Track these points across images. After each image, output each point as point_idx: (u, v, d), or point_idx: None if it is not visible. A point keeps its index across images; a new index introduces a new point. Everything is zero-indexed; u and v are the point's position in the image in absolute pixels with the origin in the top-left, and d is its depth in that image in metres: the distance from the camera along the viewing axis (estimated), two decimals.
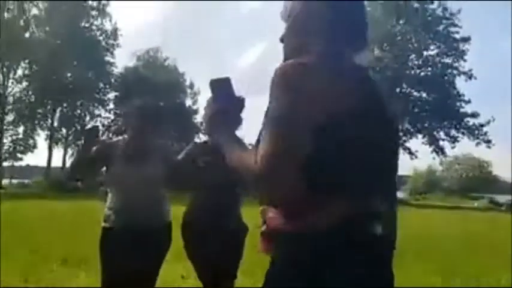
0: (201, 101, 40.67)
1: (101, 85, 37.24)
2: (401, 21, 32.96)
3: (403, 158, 35.30)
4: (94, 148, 2.82)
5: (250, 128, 2.22)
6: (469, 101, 33.34)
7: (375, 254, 1.12)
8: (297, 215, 1.11)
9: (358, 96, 1.12)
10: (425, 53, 33.99)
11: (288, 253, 1.13)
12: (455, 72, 33.47)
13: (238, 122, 1.65)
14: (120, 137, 3.15)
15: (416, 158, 35.34)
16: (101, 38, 36.44)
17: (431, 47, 34.04)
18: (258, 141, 1.14)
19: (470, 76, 33.11)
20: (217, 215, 2.86)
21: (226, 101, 1.35)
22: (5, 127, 33.25)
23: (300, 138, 1.05)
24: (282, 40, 1.34)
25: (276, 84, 1.12)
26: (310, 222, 1.09)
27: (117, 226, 2.73)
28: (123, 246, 2.66)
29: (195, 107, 40.19)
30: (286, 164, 1.04)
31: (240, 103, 1.53)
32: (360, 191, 1.11)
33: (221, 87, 1.35)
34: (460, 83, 33.95)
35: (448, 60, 33.77)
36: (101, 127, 35.05)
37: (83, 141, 2.93)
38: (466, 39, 33.37)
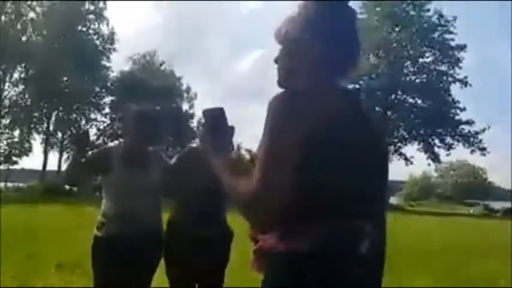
0: (197, 105, 40.72)
1: (97, 89, 37.20)
2: (396, 28, 33.17)
3: (398, 164, 35.44)
4: (90, 153, 2.81)
5: (249, 129, 2.28)
6: (464, 109, 33.55)
7: (362, 273, 1.17)
8: (288, 235, 1.16)
9: (346, 123, 1.19)
10: (420, 60, 34.18)
11: (279, 272, 1.18)
12: (450, 79, 33.64)
13: (227, 149, 1.68)
14: (116, 142, 3.15)
15: (411, 163, 35.48)
16: (97, 42, 36.44)
17: (427, 54, 34.26)
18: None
19: (465, 83, 33.29)
20: (202, 222, 2.84)
21: (219, 131, 1.39)
22: (0, 130, 33.14)
23: (289, 166, 1.12)
24: (276, 61, 1.38)
25: (269, 114, 1.17)
26: (300, 243, 1.14)
27: (111, 234, 2.68)
28: (116, 255, 2.62)
29: (191, 111, 40.19)
30: (277, 189, 1.11)
31: (231, 132, 1.58)
32: (346, 212, 1.17)
33: (214, 117, 1.40)
34: (455, 90, 34.16)
35: (443, 68, 33.96)
36: (96, 131, 35.00)
37: (75, 146, 2.90)
38: (461, 47, 33.57)
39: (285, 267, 1.16)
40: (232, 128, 1.45)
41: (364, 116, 1.30)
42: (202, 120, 1.44)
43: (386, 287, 1.31)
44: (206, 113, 1.41)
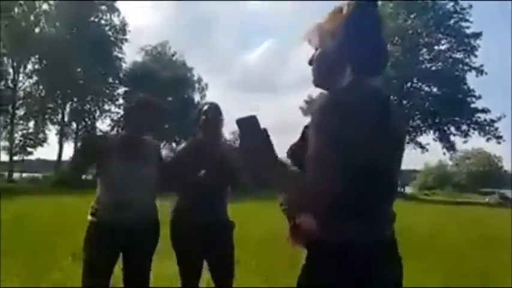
0: (209, 96, 40.78)
1: (110, 80, 37.44)
2: (412, 16, 32.62)
3: (413, 152, 35.18)
4: (86, 139, 2.81)
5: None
6: (479, 97, 33.05)
7: (392, 254, 1.41)
8: (331, 227, 1.31)
9: (383, 122, 1.32)
10: (436, 47, 33.70)
11: (327, 261, 1.33)
12: (466, 67, 33.13)
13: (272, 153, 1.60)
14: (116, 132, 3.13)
15: (427, 151, 35.14)
16: (109, 32, 36.57)
17: (442, 42, 33.76)
18: (291, 150, 1.55)
19: (481, 72, 32.77)
20: (204, 213, 2.86)
21: (253, 139, 1.43)
22: (15, 122, 33.53)
23: (340, 164, 1.25)
24: (310, 63, 1.51)
25: (317, 113, 1.31)
26: (339, 234, 1.31)
27: (104, 221, 2.69)
28: (108, 241, 2.64)
29: (203, 102, 40.15)
30: (328, 185, 1.26)
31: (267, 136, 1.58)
32: (378, 206, 1.35)
33: (247, 125, 1.45)
34: (471, 78, 33.69)
35: (458, 56, 33.45)
36: (110, 122, 35.23)
37: (79, 147, 2.95)
38: (477, 35, 33.01)
39: (332, 257, 1.31)
40: (265, 131, 1.45)
41: (393, 114, 1.41)
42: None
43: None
44: (240, 122, 1.44)
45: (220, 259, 2.97)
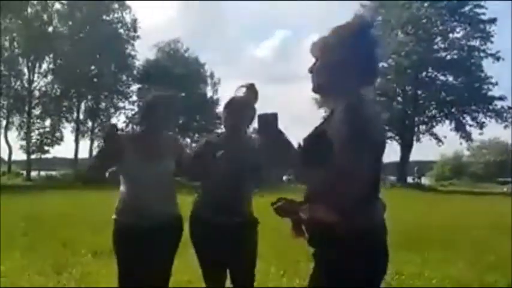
0: (221, 91, 40.87)
1: (124, 77, 37.67)
2: (426, 4, 32.09)
3: (429, 144, 34.78)
4: (107, 144, 2.69)
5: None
6: (496, 84, 32.46)
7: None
8: (353, 217, 1.47)
9: (379, 127, 1.70)
10: (451, 35, 33.14)
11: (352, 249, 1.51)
12: (482, 54, 32.52)
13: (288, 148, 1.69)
14: (132, 129, 3.10)
15: (443, 144, 34.70)
16: (121, 30, 36.75)
17: (457, 29, 33.16)
18: (300, 145, 1.64)
19: (497, 58, 32.15)
20: (223, 209, 2.73)
21: (272, 136, 1.59)
22: (32, 121, 33.95)
23: (362, 164, 1.46)
24: (311, 71, 1.70)
25: (345, 120, 1.50)
26: (360, 223, 1.50)
27: (128, 220, 2.71)
28: (136, 240, 2.66)
29: (215, 97, 40.30)
30: (354, 181, 1.45)
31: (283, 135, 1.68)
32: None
33: (268, 122, 1.58)
34: (488, 65, 33.07)
35: (474, 43, 32.84)
36: (125, 119, 35.45)
37: (102, 141, 2.91)
38: (492, 21, 32.35)
39: (356, 244, 1.50)
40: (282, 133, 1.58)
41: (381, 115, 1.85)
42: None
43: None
44: (261, 118, 1.58)
45: (241, 260, 2.82)
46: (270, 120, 1.56)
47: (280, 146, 1.63)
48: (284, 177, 10.11)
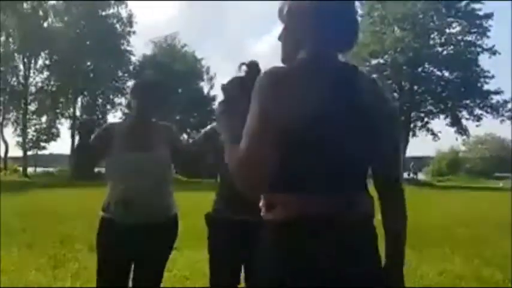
0: (217, 85, 40.84)
1: (120, 73, 37.53)
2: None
3: (425, 139, 34.88)
4: (92, 136, 2.55)
5: None
6: (492, 77, 32.55)
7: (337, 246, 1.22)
8: (270, 207, 1.27)
9: (335, 97, 1.25)
10: (447, 30, 33.19)
11: (267, 240, 1.29)
12: (478, 49, 32.60)
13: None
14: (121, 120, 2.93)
15: (439, 139, 34.84)
16: (117, 25, 36.58)
17: (454, 25, 33.21)
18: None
19: (494, 52, 32.24)
20: (243, 206, 2.49)
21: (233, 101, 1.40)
22: (28, 117, 33.82)
23: (267, 142, 1.18)
24: (279, 39, 1.44)
25: (253, 91, 1.24)
26: (278, 214, 1.25)
27: (116, 217, 2.47)
28: (123, 239, 2.43)
29: (212, 93, 40.31)
30: (256, 164, 1.19)
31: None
32: (321, 186, 1.23)
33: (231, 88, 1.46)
34: (484, 60, 33.16)
35: (470, 38, 32.92)
36: (121, 115, 35.29)
37: (78, 138, 2.61)
38: (488, 16, 32.41)
39: (271, 235, 1.27)
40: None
41: (368, 86, 1.34)
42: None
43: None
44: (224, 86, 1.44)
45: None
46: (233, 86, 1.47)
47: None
48: None
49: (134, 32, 37.10)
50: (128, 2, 37.02)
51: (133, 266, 2.54)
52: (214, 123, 2.62)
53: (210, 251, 2.56)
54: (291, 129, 1.20)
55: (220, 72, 42.19)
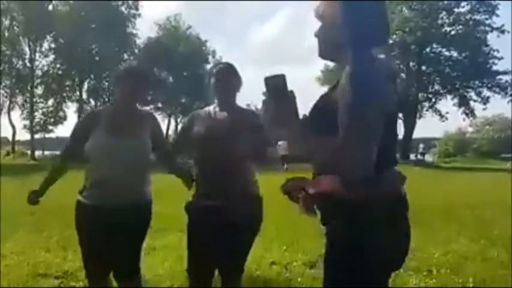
0: None
1: (125, 56, 37.42)
2: None
3: (432, 120, 34.65)
4: (78, 121, 2.63)
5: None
6: (501, 58, 32.12)
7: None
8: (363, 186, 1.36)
9: (390, 87, 1.46)
10: (456, 10, 32.64)
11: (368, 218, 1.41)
12: (487, 28, 32.10)
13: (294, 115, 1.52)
14: (147, 108, 2.94)
15: (446, 119, 34.59)
16: (122, 8, 36.37)
17: (462, 4, 32.64)
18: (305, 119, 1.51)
19: (502, 31, 31.74)
20: (226, 196, 2.49)
21: (280, 99, 1.43)
22: (35, 100, 33.92)
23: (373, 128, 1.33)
24: (316, 35, 1.57)
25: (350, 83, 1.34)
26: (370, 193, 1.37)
27: (93, 201, 2.53)
28: (100, 223, 2.50)
29: None
30: (365, 146, 1.33)
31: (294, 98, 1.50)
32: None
33: (275, 84, 1.43)
34: (493, 39, 32.58)
35: (479, 17, 32.38)
36: None
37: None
38: None
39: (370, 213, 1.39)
40: (292, 92, 1.42)
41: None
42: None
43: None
44: (268, 81, 1.42)
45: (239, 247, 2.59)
46: (279, 82, 1.42)
47: (292, 111, 1.45)
48: (285, 166, 10.07)
49: (139, 15, 36.94)
50: None
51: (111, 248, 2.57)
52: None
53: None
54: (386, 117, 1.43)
55: (224, 57, 41.82)
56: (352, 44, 1.37)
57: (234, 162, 2.51)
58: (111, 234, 2.51)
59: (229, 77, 2.63)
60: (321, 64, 39.98)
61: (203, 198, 2.57)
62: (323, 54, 1.58)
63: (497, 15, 31.85)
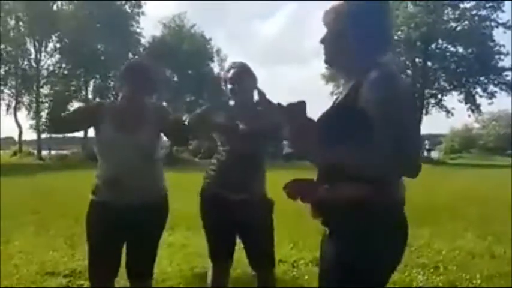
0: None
1: (130, 55, 37.44)
2: None
3: (438, 116, 34.54)
4: (82, 105, 2.63)
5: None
6: (507, 54, 31.92)
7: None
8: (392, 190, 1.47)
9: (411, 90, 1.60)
10: (461, 5, 32.45)
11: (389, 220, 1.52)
12: (493, 24, 31.89)
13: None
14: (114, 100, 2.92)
15: (452, 115, 34.43)
16: (126, 6, 36.40)
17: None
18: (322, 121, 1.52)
19: (508, 27, 31.53)
20: (238, 189, 2.58)
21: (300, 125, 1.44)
22: (41, 100, 34.03)
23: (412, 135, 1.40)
24: (322, 42, 1.60)
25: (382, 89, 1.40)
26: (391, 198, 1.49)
27: (106, 199, 2.47)
28: (109, 222, 2.45)
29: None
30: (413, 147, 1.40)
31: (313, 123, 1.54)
32: None
33: (296, 111, 1.45)
34: (499, 35, 32.42)
35: (485, 13, 32.17)
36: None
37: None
38: None
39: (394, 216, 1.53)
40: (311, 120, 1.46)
41: None
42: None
43: None
44: (290, 107, 1.44)
45: (256, 242, 2.67)
46: (299, 110, 1.43)
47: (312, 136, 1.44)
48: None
49: (143, 13, 36.95)
50: None
51: (125, 248, 2.56)
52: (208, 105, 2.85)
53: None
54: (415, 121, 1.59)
55: (226, 50, 41.71)
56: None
57: (255, 161, 2.64)
58: (127, 234, 2.50)
59: (244, 80, 2.68)
60: (321, 63, 39.70)
61: (219, 188, 2.64)
62: (328, 61, 1.62)
63: (503, 11, 31.68)
